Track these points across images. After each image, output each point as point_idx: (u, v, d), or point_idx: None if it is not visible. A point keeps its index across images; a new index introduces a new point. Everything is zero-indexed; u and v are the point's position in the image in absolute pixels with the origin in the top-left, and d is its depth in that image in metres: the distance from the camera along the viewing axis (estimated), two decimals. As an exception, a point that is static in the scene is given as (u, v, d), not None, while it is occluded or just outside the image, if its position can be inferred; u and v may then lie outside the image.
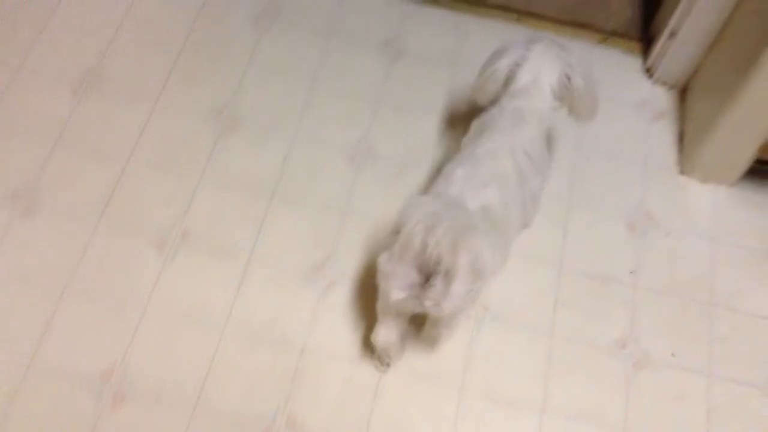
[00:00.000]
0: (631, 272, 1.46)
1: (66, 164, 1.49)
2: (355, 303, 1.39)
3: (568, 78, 1.33)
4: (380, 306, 1.25)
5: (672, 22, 1.56)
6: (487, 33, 1.73)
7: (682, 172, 1.58)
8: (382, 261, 1.18)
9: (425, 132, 1.60)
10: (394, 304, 1.19)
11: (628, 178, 1.58)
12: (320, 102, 1.62)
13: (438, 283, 1.12)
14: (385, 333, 1.28)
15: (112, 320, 1.35)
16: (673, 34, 1.57)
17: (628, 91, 1.68)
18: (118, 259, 1.40)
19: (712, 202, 1.55)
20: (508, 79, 1.35)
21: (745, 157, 1.49)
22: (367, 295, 1.40)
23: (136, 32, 1.67)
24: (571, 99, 1.34)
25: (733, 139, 1.46)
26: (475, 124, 1.37)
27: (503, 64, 1.35)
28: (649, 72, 1.69)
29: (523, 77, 1.33)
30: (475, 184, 1.22)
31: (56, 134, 1.52)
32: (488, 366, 1.36)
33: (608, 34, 1.74)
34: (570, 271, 1.46)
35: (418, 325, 1.35)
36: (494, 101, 1.38)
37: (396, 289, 1.16)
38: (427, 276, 1.14)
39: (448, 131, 1.59)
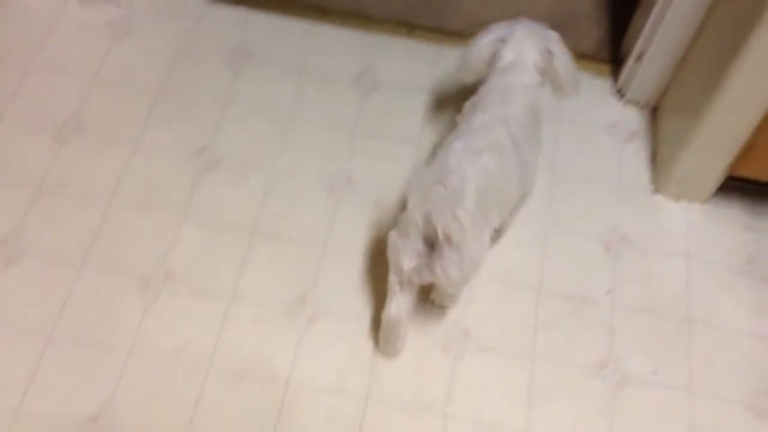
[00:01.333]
0: (608, 292, 1.49)
1: (48, 210, 1.51)
2: (338, 335, 1.41)
3: (550, 53, 1.41)
4: (391, 281, 1.32)
5: (638, 45, 1.60)
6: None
7: (656, 191, 1.61)
8: (392, 235, 1.28)
9: (403, 160, 1.63)
10: (408, 274, 1.27)
11: (603, 198, 1.60)
12: (298, 137, 1.64)
13: (443, 250, 1.22)
14: (395, 309, 1.34)
15: (98, 364, 1.36)
16: (640, 56, 1.61)
17: (600, 113, 1.72)
18: (103, 303, 1.42)
19: (686, 220, 1.58)
20: (494, 58, 1.43)
21: (716, 174, 1.52)
22: (350, 329, 1.42)
23: (114, 78, 1.69)
24: (554, 73, 1.42)
25: (704, 157, 1.49)
26: (467, 104, 1.44)
27: (487, 42, 1.43)
28: (619, 93, 1.72)
29: (508, 55, 1.41)
30: (472, 153, 1.29)
31: (38, 181, 1.54)
32: (472, 394, 1.38)
33: (578, 57, 1.76)
34: (548, 293, 1.48)
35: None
36: (481, 80, 1.45)
37: (407, 260, 1.25)
38: (432, 245, 1.23)
39: (425, 159, 1.62)
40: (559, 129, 1.68)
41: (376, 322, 1.40)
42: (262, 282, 1.46)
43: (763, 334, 1.46)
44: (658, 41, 1.55)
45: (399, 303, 1.33)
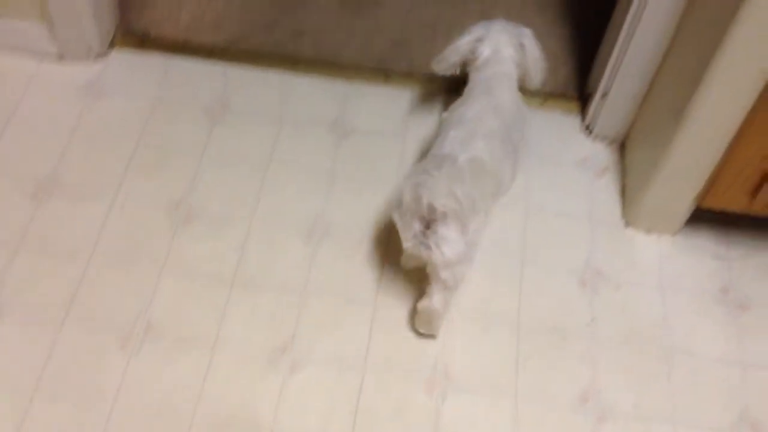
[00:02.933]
0: (587, 325, 1.51)
1: (28, 268, 1.52)
2: (319, 382, 1.42)
3: (523, 46, 1.55)
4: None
5: (602, 83, 1.65)
6: (432, 106, 1.81)
7: (628, 224, 1.64)
8: (395, 217, 1.38)
9: (380, 203, 1.65)
10: (407, 252, 1.38)
11: (576, 234, 1.63)
12: (275, 185, 1.67)
13: (438, 229, 1.31)
14: (408, 261, 1.50)
15: (81, 421, 1.35)
16: (604, 94, 1.66)
17: (570, 150, 1.76)
18: (85, 358, 1.42)
19: (658, 252, 1.61)
20: (473, 56, 1.56)
21: (684, 207, 1.56)
22: (332, 375, 1.43)
23: (91, 135, 1.71)
24: (526, 64, 1.56)
25: (671, 190, 1.53)
26: (455, 105, 1.54)
27: (466, 41, 1.57)
28: (588, 130, 1.77)
29: (485, 51, 1.55)
30: (465, 140, 1.40)
31: (17, 240, 1.55)
32: (456, 435, 1.38)
33: (547, 96, 1.83)
34: (527, 329, 1.50)
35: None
36: (463, 79, 1.59)
37: (405, 240, 1.35)
38: (426, 225, 1.32)
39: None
40: (531, 166, 1.71)
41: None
42: (243, 331, 1.47)
43: (742, 361, 1.49)
44: (621, 79, 1.60)
45: (409, 260, 1.49)
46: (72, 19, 1.73)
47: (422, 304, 1.43)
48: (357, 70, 1.87)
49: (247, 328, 1.47)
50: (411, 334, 1.48)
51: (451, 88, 1.77)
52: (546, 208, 1.67)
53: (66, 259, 1.53)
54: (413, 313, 1.48)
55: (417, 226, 1.33)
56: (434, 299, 1.41)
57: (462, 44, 1.56)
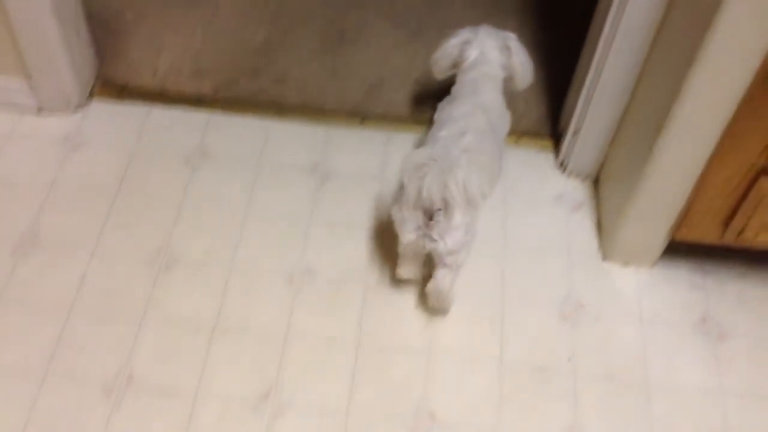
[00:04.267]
0: (568, 360, 1.52)
1: (9, 324, 1.51)
2: (302, 429, 1.41)
3: (509, 49, 1.63)
4: (399, 248, 1.48)
5: (573, 122, 1.69)
6: (408, 147, 1.83)
7: (605, 257, 1.66)
8: (394, 211, 1.44)
9: (360, 246, 1.66)
10: (408, 245, 1.43)
11: (555, 269, 1.65)
12: (254, 231, 1.68)
13: (440, 219, 1.37)
14: (405, 270, 1.52)
15: (62, 477, 1.35)
16: (576, 132, 1.69)
17: (546, 187, 1.78)
18: (67, 413, 1.41)
19: (636, 285, 1.63)
20: (461, 58, 1.64)
21: (659, 240, 1.58)
22: (314, 422, 1.42)
23: (70, 188, 1.72)
24: (512, 67, 1.64)
25: (644, 224, 1.56)
26: (443, 103, 1.63)
27: (454, 44, 1.65)
28: (562, 166, 1.79)
29: (473, 53, 1.63)
30: (455, 136, 1.47)
31: (-4, 295, 1.55)
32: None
33: (521, 135, 1.86)
34: (510, 367, 1.50)
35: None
36: (452, 78, 1.67)
37: (406, 233, 1.41)
38: (429, 216, 1.37)
39: (381, 249, 1.66)
40: (507, 204, 1.74)
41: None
42: (225, 379, 1.46)
43: (722, 390, 1.49)
44: (591, 118, 1.63)
45: (408, 265, 1.51)
46: (50, 72, 1.75)
47: (430, 286, 1.49)
48: (335, 115, 1.90)
49: (229, 375, 1.47)
50: (394, 377, 1.48)
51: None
52: (524, 244, 1.69)
53: (46, 314, 1.53)
54: (423, 297, 1.55)
55: (419, 218, 1.39)
56: (441, 280, 1.47)
57: (451, 46, 1.65)
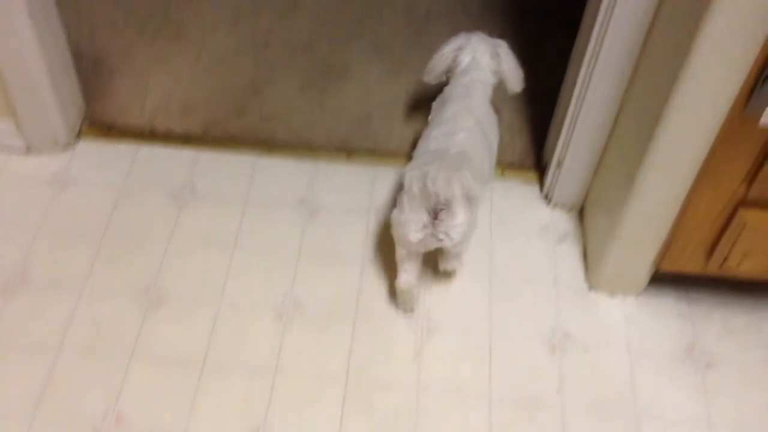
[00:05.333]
0: (557, 392, 1.52)
1: (-4, 364, 1.51)
2: (293, 466, 1.41)
3: (499, 56, 1.72)
4: (398, 254, 1.54)
5: (556, 154, 1.71)
6: (394, 180, 1.85)
7: (591, 287, 1.68)
8: (395, 214, 1.50)
9: (348, 281, 1.67)
10: (416, 245, 1.49)
11: (542, 300, 1.66)
12: (243, 267, 1.68)
13: (444, 216, 1.44)
14: (406, 277, 1.55)
15: None
16: (559, 164, 1.71)
17: (531, 218, 1.80)
18: (54, 455, 1.40)
19: (623, 314, 1.64)
20: (454, 63, 1.73)
21: (644, 269, 1.60)
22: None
23: (58, 227, 1.73)
24: (502, 72, 1.73)
25: (629, 254, 1.57)
26: (435, 103, 1.72)
27: (449, 50, 1.74)
28: (547, 198, 1.81)
29: (465, 59, 1.71)
30: (447, 136, 1.54)
31: (-16, 336, 1.54)
32: None
33: (506, 167, 1.88)
34: (499, 400, 1.50)
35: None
36: (446, 82, 1.75)
37: (413, 232, 1.46)
38: (434, 215, 1.44)
39: (368, 281, 1.67)
40: (493, 236, 1.75)
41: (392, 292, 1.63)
42: (213, 417, 1.46)
43: (711, 419, 1.50)
44: (573, 150, 1.66)
45: (408, 271, 1.55)
46: (38, 113, 1.77)
47: (442, 267, 1.64)
48: (322, 150, 1.92)
49: (219, 412, 1.46)
50: (384, 413, 1.48)
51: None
52: (511, 275, 1.70)
53: (34, 353, 1.52)
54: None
55: (424, 217, 1.45)
56: (452, 263, 1.62)
57: (445, 52, 1.74)
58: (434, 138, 1.56)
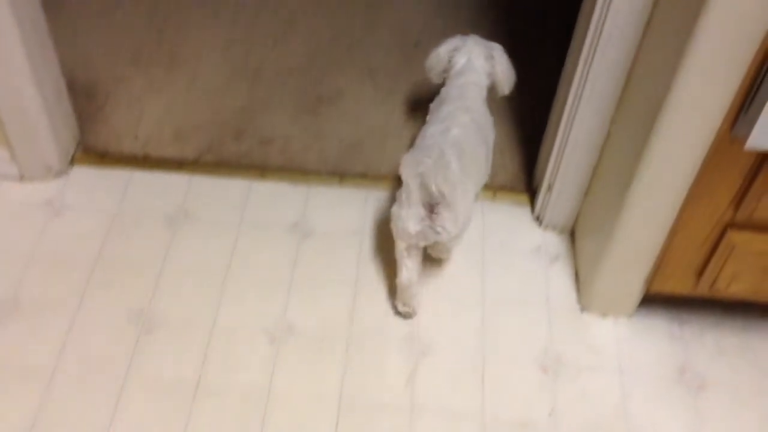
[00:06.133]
0: (549, 414, 1.52)
1: (-13, 393, 1.51)
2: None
3: (493, 58, 1.77)
4: (398, 250, 1.59)
5: (546, 177, 1.73)
6: (391, 205, 1.85)
7: (583, 309, 1.68)
8: (394, 209, 1.55)
9: (341, 303, 1.67)
10: (414, 238, 1.53)
11: (534, 321, 1.67)
12: (236, 291, 1.68)
13: (441, 210, 1.48)
14: (407, 274, 1.59)
15: None
16: (550, 186, 1.73)
17: (523, 240, 1.81)
18: (46, 483, 1.40)
19: (615, 336, 1.65)
20: (449, 64, 1.78)
21: (635, 290, 1.61)
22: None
23: (51, 253, 1.73)
24: (495, 74, 1.78)
25: (620, 275, 1.58)
26: (432, 105, 1.76)
27: (444, 50, 1.79)
28: (538, 220, 1.83)
29: (461, 60, 1.76)
30: (443, 132, 1.59)
31: (-24, 364, 1.54)
32: None
33: (497, 189, 1.89)
34: (492, 422, 1.50)
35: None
36: (443, 83, 1.80)
37: (412, 226, 1.51)
38: (430, 209, 1.49)
39: (361, 304, 1.67)
40: (485, 258, 1.76)
41: (392, 291, 1.67)
42: (207, 443, 1.46)
43: (704, 441, 1.51)
44: (563, 172, 1.67)
45: (409, 268, 1.58)
46: (31, 141, 1.78)
47: (435, 255, 1.70)
48: (315, 174, 1.93)
49: (212, 439, 1.47)
50: (376, 436, 1.48)
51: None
52: (503, 297, 1.70)
53: (28, 380, 1.52)
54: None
55: (422, 211, 1.49)
56: (445, 254, 1.70)
57: (441, 52, 1.79)
58: (430, 135, 1.61)
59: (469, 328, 1.65)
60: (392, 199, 1.85)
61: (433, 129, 1.63)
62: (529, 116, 2.04)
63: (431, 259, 1.72)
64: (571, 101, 1.57)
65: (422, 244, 1.56)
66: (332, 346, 1.60)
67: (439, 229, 1.51)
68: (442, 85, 1.80)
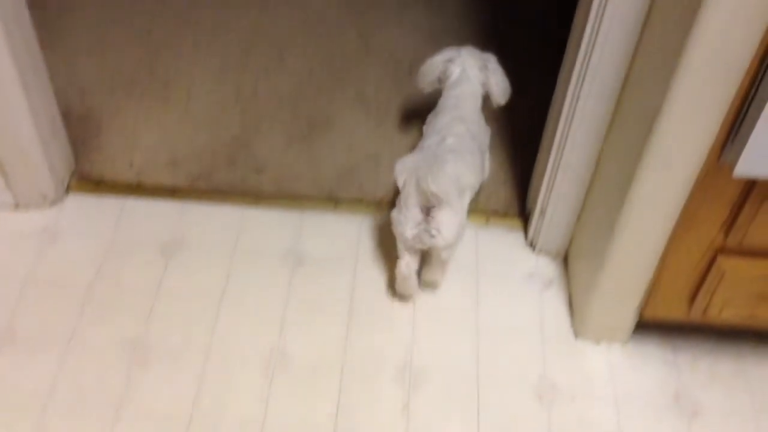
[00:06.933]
0: (545, 443, 1.52)
1: (-20, 424, 1.50)
2: None
3: (487, 68, 1.82)
4: (399, 247, 1.64)
5: (539, 202, 1.73)
6: (385, 230, 1.86)
7: (577, 335, 1.68)
8: (394, 213, 1.60)
9: (335, 331, 1.67)
10: (411, 241, 1.58)
11: (528, 348, 1.66)
12: (230, 319, 1.68)
13: (437, 214, 1.53)
14: (405, 265, 1.64)
15: None
16: (542, 212, 1.73)
17: (516, 265, 1.81)
18: None
19: (609, 362, 1.64)
20: (444, 75, 1.83)
21: (628, 317, 1.61)
22: None
23: (46, 282, 1.73)
24: (489, 85, 1.82)
25: (613, 301, 1.58)
26: (430, 116, 1.81)
27: (439, 59, 1.84)
28: (531, 245, 1.83)
29: (455, 70, 1.81)
30: (439, 142, 1.65)
31: (-32, 395, 1.54)
32: None
33: (490, 215, 1.90)
34: (487, 452, 1.50)
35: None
36: (438, 93, 1.85)
37: (409, 229, 1.55)
38: (426, 212, 1.54)
39: (355, 331, 1.67)
40: (479, 284, 1.76)
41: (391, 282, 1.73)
42: (200, 474, 1.45)
43: (700, 467, 1.50)
44: (555, 198, 1.68)
45: (407, 260, 1.63)
46: (26, 170, 1.79)
47: (426, 277, 1.71)
48: (309, 201, 1.94)
49: (204, 470, 1.46)
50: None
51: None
52: (497, 324, 1.70)
53: (21, 411, 1.51)
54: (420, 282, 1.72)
55: (418, 215, 1.53)
56: (437, 273, 1.70)
57: (436, 61, 1.84)
58: (427, 147, 1.66)
59: (463, 356, 1.64)
60: (387, 225, 1.88)
61: (429, 141, 1.68)
62: (520, 141, 2.04)
63: (425, 284, 1.73)
64: (561, 126, 1.58)
65: (418, 246, 1.60)
66: (327, 375, 1.60)
67: (434, 232, 1.54)
68: (435, 104, 1.82)
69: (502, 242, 1.86)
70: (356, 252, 1.83)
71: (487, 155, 1.83)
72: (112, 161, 2.00)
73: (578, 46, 1.46)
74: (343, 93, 2.22)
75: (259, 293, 1.74)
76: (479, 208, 1.90)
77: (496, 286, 1.77)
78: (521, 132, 2.07)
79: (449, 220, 1.54)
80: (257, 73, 2.26)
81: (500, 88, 1.83)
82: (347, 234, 1.87)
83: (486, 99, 1.85)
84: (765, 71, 1.15)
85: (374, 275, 1.78)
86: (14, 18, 1.61)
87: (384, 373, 1.61)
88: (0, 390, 1.54)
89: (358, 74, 2.28)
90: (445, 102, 1.80)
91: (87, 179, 1.95)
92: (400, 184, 1.55)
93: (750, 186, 1.30)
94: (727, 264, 1.41)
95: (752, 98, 1.18)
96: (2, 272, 1.75)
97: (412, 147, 1.77)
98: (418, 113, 2.11)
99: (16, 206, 1.86)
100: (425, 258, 1.68)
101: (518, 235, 1.87)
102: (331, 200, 1.94)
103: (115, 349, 1.62)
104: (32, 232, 1.83)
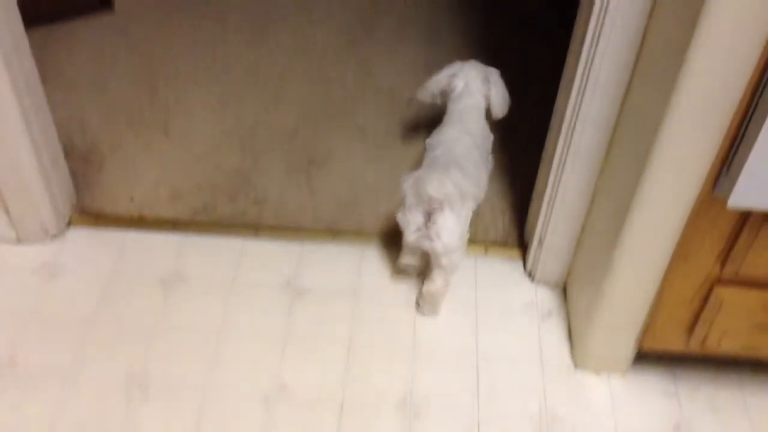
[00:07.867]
0: (546, 476, 1.51)
1: (-21, 460, 1.50)
2: None
3: (489, 82, 1.89)
4: (404, 243, 1.68)
5: (537, 232, 1.74)
6: (385, 262, 1.87)
7: (577, 366, 1.67)
8: (399, 216, 1.64)
9: (335, 363, 1.67)
10: (413, 244, 1.64)
11: (528, 380, 1.66)
12: (230, 353, 1.68)
13: (437, 218, 1.58)
14: (407, 258, 1.74)
15: None
16: (540, 242, 1.74)
17: (515, 295, 1.81)
18: None
19: (609, 393, 1.64)
20: (448, 89, 1.91)
21: (627, 348, 1.60)
22: None
23: (46, 315, 1.74)
24: (491, 98, 1.89)
25: (611, 334, 1.58)
26: (435, 131, 1.85)
27: (443, 75, 1.92)
28: (530, 276, 1.83)
29: (459, 84, 1.89)
30: (445, 154, 1.70)
31: (-32, 431, 1.53)
32: None
33: (489, 245, 1.91)
34: (487, 485, 1.49)
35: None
36: (441, 106, 1.94)
37: (410, 233, 1.62)
38: (428, 217, 1.58)
39: (355, 364, 1.67)
40: (478, 314, 1.76)
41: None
42: None
43: (703, 499, 1.49)
44: (552, 228, 1.69)
45: (408, 256, 1.73)
46: (28, 205, 1.80)
47: (427, 287, 1.71)
48: (309, 232, 1.95)
49: (203, 506, 1.45)
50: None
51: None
52: (496, 355, 1.70)
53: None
54: (418, 298, 1.76)
55: (420, 219, 1.59)
56: (437, 282, 1.69)
57: (440, 78, 1.92)
58: (434, 157, 1.71)
59: (463, 388, 1.64)
60: (387, 256, 1.89)
61: (435, 152, 1.73)
62: (519, 172, 2.06)
63: (425, 299, 1.73)
64: (558, 156, 1.59)
65: (420, 249, 1.66)
66: (326, 408, 1.59)
67: (433, 236, 1.58)
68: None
69: (501, 272, 1.86)
70: (356, 283, 1.83)
71: (490, 157, 1.89)
72: (114, 195, 2.01)
73: (573, 75, 1.48)
74: (342, 125, 2.24)
75: (259, 326, 1.74)
76: (478, 238, 1.91)
77: (495, 316, 1.77)
78: (520, 161, 2.09)
79: (449, 226, 1.58)
80: (257, 106, 2.29)
81: (500, 101, 1.90)
82: (347, 266, 1.88)
83: (488, 111, 1.92)
84: (756, 105, 1.16)
85: (374, 307, 1.78)
86: (15, 52, 1.63)
87: (384, 406, 1.60)
88: (1, 425, 1.54)
89: (357, 107, 2.30)
90: (450, 116, 1.86)
91: (88, 213, 1.96)
92: (404, 190, 1.60)
93: (744, 217, 1.31)
94: (725, 294, 1.41)
95: (744, 131, 1.20)
96: (3, 306, 1.75)
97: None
98: (416, 144, 2.13)
99: (18, 240, 1.87)
100: (426, 270, 1.72)
101: (517, 265, 1.88)
102: (331, 232, 1.95)
103: (115, 384, 1.62)
104: (33, 266, 1.83)
